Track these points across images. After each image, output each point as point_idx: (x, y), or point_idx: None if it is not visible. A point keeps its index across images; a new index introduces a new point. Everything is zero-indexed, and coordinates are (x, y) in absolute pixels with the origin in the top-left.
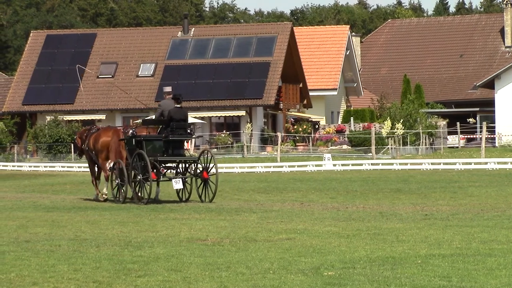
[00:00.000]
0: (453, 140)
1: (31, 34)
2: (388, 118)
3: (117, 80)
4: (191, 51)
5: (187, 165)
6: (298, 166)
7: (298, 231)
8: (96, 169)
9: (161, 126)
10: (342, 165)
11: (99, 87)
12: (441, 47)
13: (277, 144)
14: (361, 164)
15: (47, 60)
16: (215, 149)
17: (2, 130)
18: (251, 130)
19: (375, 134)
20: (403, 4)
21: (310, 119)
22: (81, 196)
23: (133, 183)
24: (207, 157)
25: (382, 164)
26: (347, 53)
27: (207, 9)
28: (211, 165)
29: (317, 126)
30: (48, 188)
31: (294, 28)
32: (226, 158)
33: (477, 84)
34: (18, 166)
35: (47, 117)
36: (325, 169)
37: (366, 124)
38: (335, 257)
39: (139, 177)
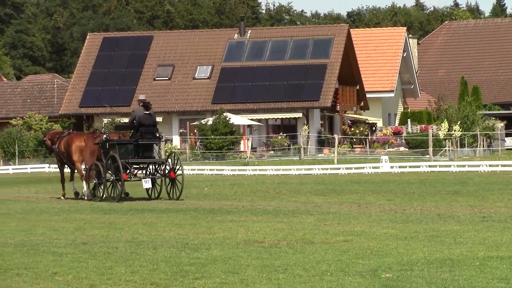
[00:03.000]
0: (510, 142)
1: (87, 37)
2: (445, 120)
3: (173, 83)
4: (248, 53)
5: (156, 166)
6: (355, 168)
7: (355, 233)
8: (67, 170)
9: (132, 131)
10: (399, 167)
11: (156, 89)
12: (498, 49)
13: (334, 146)
14: (418, 166)
15: (104, 62)
16: (272, 151)
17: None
18: (308, 132)
19: (432, 136)
20: (460, 6)
21: (367, 121)
22: (138, 198)
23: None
24: (175, 159)
25: (440, 166)
26: (404, 55)
27: (264, 11)
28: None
29: (374, 128)
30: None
31: (350, 30)
32: (282, 160)
33: None
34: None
35: (104, 119)
36: (382, 171)
37: (423, 126)
38: (393, 259)
39: (112, 177)
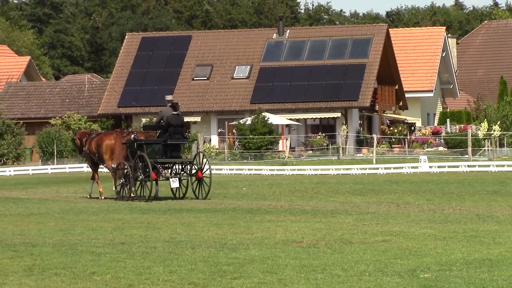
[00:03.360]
0: None
1: (126, 37)
2: (485, 119)
3: (212, 82)
4: (286, 53)
5: (183, 166)
6: (394, 168)
7: (394, 233)
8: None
9: (160, 131)
10: (438, 167)
11: (194, 89)
12: None
13: (373, 146)
14: (457, 166)
15: (143, 62)
16: (311, 151)
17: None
18: (347, 132)
19: (471, 136)
20: (499, 5)
21: (405, 121)
22: (176, 197)
23: (135, 182)
24: (202, 159)
25: (479, 166)
26: (443, 55)
27: (302, 11)
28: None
29: (413, 128)
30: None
31: (389, 29)
32: (321, 160)
33: None
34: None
35: (142, 119)
36: (421, 171)
37: (462, 125)
38: (431, 259)
39: (141, 176)
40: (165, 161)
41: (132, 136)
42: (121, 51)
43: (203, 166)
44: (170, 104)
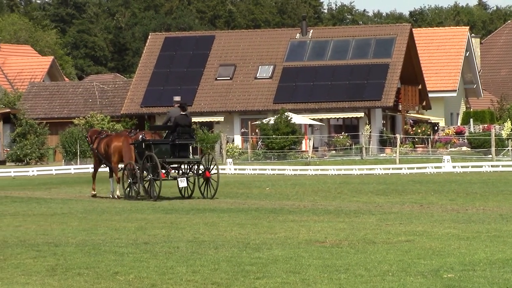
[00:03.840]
0: None
1: (149, 37)
2: (508, 119)
3: (235, 82)
4: (309, 53)
5: (190, 165)
6: (417, 168)
7: (417, 233)
8: (107, 168)
9: (167, 131)
10: (462, 167)
11: (217, 89)
12: None
13: (396, 145)
14: (480, 166)
15: (166, 62)
16: (334, 151)
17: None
18: (370, 132)
19: (495, 136)
20: None
21: (429, 121)
22: (199, 197)
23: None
24: (209, 158)
25: (502, 166)
26: (467, 55)
27: (326, 10)
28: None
29: (436, 128)
30: (167, 190)
31: (413, 29)
32: (344, 160)
33: None
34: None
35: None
36: (445, 171)
37: (486, 125)
38: (455, 259)
39: (149, 176)
40: (173, 160)
41: (140, 136)
42: (144, 51)
43: (210, 166)
44: (178, 104)
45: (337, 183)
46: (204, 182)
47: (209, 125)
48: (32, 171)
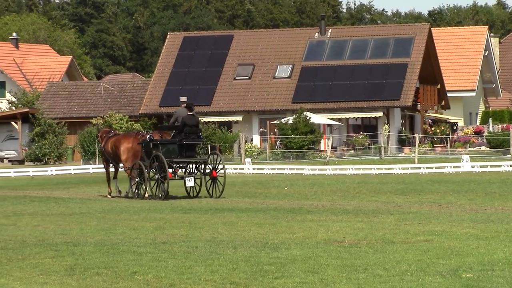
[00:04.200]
0: None
1: (168, 36)
2: None
3: (253, 82)
4: (328, 53)
5: (197, 165)
6: (436, 167)
7: (436, 233)
8: (112, 169)
9: (174, 131)
10: (481, 166)
11: (236, 88)
12: None
13: (415, 145)
14: (499, 166)
15: (184, 62)
16: (352, 151)
17: None
18: (389, 132)
19: None
20: None
21: (448, 120)
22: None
23: (151, 181)
24: (216, 158)
25: None
26: (486, 54)
27: (344, 10)
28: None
29: (455, 127)
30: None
31: (432, 29)
32: (363, 160)
33: None
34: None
35: None
36: (463, 171)
37: (505, 125)
38: (474, 259)
39: (157, 176)
40: (180, 160)
41: (148, 136)
42: (162, 51)
43: (217, 165)
44: (185, 105)
45: (355, 183)
46: (211, 182)
47: (228, 125)
48: (51, 170)
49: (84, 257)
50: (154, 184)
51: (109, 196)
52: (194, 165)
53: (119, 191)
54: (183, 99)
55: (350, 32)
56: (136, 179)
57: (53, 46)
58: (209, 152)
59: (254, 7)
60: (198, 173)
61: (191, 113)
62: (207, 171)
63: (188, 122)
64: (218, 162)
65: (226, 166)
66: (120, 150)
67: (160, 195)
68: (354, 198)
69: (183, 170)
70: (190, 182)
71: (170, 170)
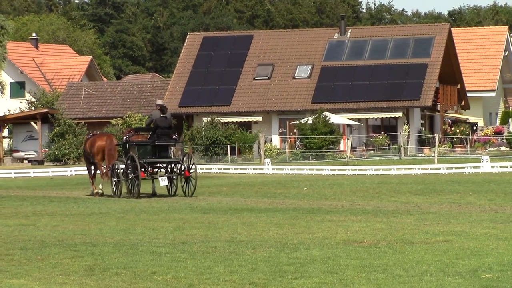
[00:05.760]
0: None
1: (187, 36)
2: None
3: (273, 82)
4: (348, 53)
5: (172, 165)
6: (456, 168)
7: (455, 233)
8: (92, 168)
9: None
10: (500, 166)
11: (255, 89)
12: None
13: (435, 145)
14: None
15: (204, 62)
16: (372, 151)
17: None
18: (408, 132)
19: None
20: None
21: (467, 121)
22: (237, 197)
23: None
24: (189, 159)
25: None
26: (506, 54)
27: (364, 10)
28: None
29: (475, 128)
30: (205, 190)
31: (451, 29)
32: (382, 160)
33: None
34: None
35: (203, 119)
36: (483, 171)
37: None
38: (493, 260)
39: (131, 175)
40: (153, 161)
41: (124, 138)
42: (182, 51)
43: (190, 166)
44: (159, 107)
45: (375, 183)
46: (185, 181)
47: (247, 125)
48: (70, 171)
49: (103, 257)
50: (129, 183)
51: (97, 194)
52: (169, 165)
53: (102, 191)
54: (159, 102)
55: (370, 32)
56: (114, 179)
57: (73, 46)
58: (183, 154)
59: (273, 7)
60: (175, 174)
61: (163, 116)
62: (177, 171)
63: (160, 124)
64: (190, 163)
65: (246, 167)
66: (94, 149)
67: (133, 193)
68: (373, 199)
69: (158, 170)
70: (163, 182)
71: (143, 169)
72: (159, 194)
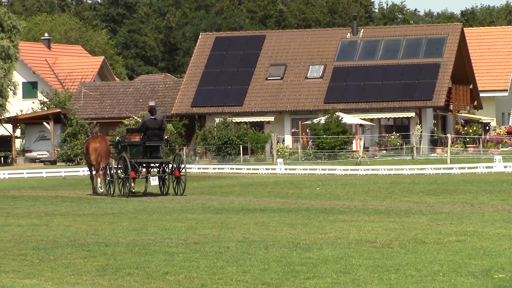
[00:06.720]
0: None
1: (200, 36)
2: None
3: (285, 82)
4: (360, 53)
5: (164, 166)
6: (468, 168)
7: (468, 233)
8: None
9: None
10: None
11: (268, 89)
12: None
13: (447, 145)
14: None
15: (216, 62)
16: (385, 151)
17: (171, 132)
18: (421, 132)
19: None
20: None
21: (480, 121)
22: (249, 197)
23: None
24: (179, 159)
25: None
26: None
27: (377, 10)
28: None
29: (487, 128)
30: (217, 190)
31: (464, 29)
32: (395, 160)
33: None
34: (187, 168)
35: (216, 119)
36: (496, 171)
37: None
38: (506, 260)
39: (122, 175)
40: (144, 161)
41: (117, 138)
42: (194, 51)
43: (180, 166)
44: (149, 109)
45: (387, 183)
46: (176, 181)
47: (260, 125)
48: (83, 171)
49: (115, 257)
50: (120, 183)
51: (97, 193)
52: (159, 165)
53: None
54: (151, 103)
55: (382, 32)
56: (107, 178)
57: (85, 46)
58: (174, 154)
59: (286, 7)
60: (167, 174)
61: (153, 117)
62: (168, 171)
63: (150, 125)
64: (180, 163)
65: (258, 167)
66: (89, 150)
67: (124, 192)
68: (386, 199)
69: (151, 169)
70: (154, 181)
71: (133, 169)
72: (148, 192)
